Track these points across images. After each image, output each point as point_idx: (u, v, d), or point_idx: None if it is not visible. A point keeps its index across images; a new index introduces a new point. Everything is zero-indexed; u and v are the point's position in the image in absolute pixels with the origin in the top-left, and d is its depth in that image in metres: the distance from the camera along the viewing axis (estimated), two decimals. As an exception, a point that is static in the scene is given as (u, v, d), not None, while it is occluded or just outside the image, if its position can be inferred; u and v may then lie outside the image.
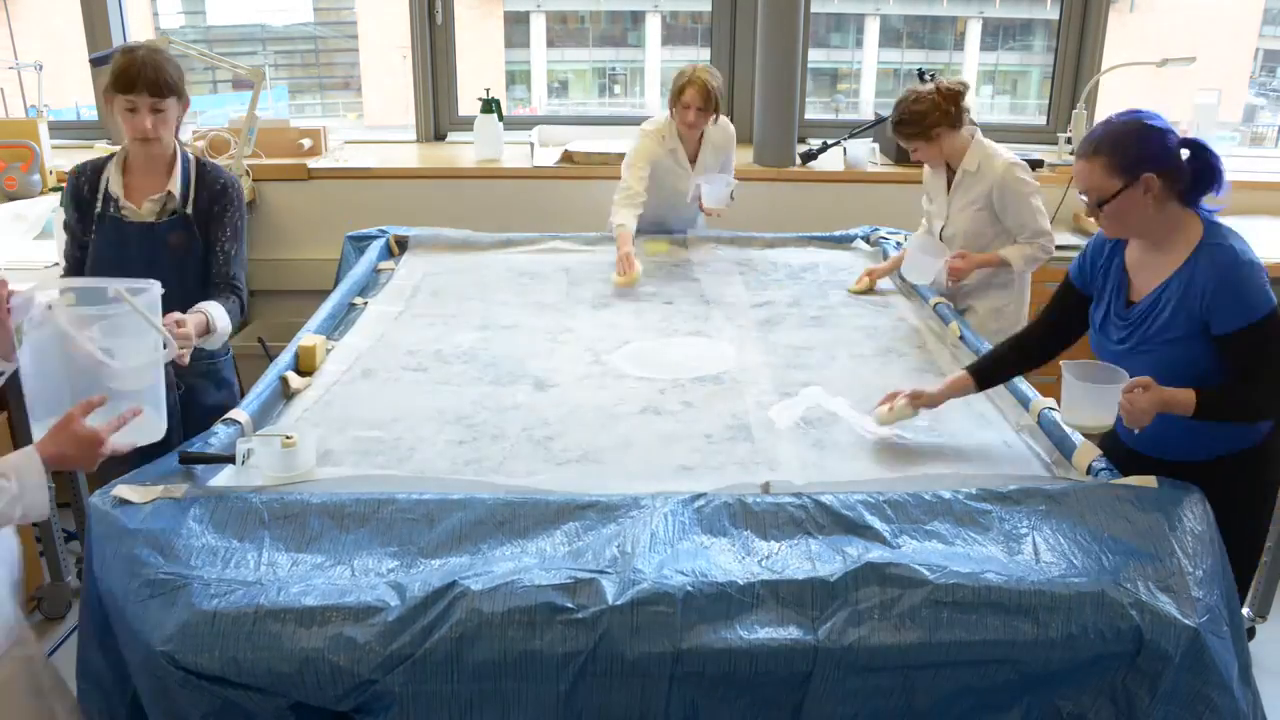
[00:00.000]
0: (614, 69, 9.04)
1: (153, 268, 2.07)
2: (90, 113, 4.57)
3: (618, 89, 9.10)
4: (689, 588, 1.51)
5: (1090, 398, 1.85)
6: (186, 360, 2.04)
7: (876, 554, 1.59)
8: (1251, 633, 2.51)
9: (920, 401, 2.13)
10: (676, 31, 8.62)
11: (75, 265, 2.38)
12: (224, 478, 1.91)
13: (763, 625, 1.50)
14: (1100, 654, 1.51)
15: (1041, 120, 4.63)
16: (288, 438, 1.89)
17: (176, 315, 2.02)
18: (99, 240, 2.32)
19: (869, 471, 1.97)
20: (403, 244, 3.48)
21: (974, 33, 8.82)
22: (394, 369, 2.48)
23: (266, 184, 3.99)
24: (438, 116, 4.56)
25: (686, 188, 3.43)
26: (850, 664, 1.48)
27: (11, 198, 3.46)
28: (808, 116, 4.53)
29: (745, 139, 4.40)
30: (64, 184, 2.74)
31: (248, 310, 2.23)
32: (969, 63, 8.84)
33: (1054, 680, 1.53)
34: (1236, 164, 4.33)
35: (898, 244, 3.43)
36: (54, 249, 2.84)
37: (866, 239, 3.60)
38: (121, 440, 1.65)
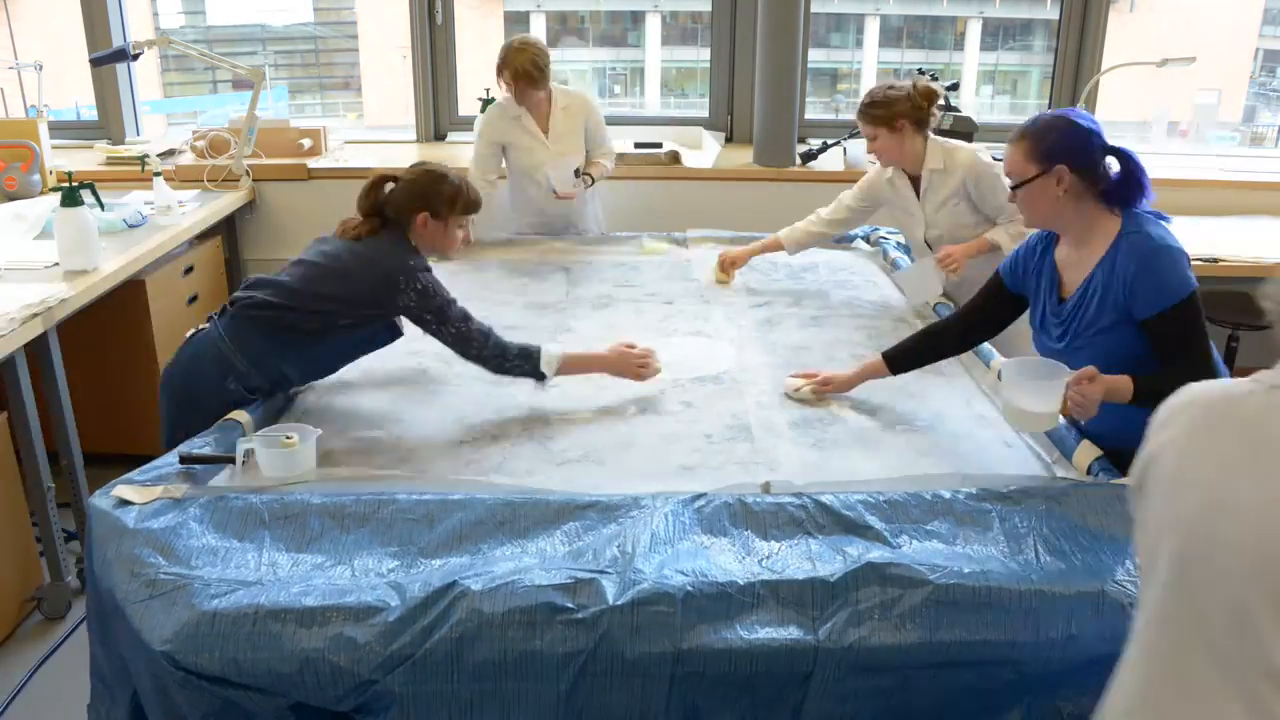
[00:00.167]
0: (614, 69, 9.04)
1: None
2: (90, 113, 4.57)
3: (618, 89, 9.10)
4: (689, 588, 1.51)
5: (1033, 395, 1.85)
6: None
7: (877, 554, 1.59)
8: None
9: (829, 389, 2.26)
10: (676, 31, 8.62)
11: None
12: (224, 478, 1.91)
13: (763, 625, 1.50)
14: (1100, 654, 1.51)
15: (1041, 120, 4.63)
16: (288, 438, 1.89)
17: None
18: None
19: (869, 471, 1.97)
20: (403, 244, 3.48)
21: (974, 33, 8.82)
22: (394, 369, 2.48)
23: (266, 184, 3.99)
24: (438, 116, 4.56)
25: (541, 157, 3.43)
26: (850, 664, 1.48)
27: (11, 198, 3.46)
28: (808, 116, 4.53)
29: (745, 139, 4.41)
30: (64, 184, 2.75)
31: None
32: (969, 63, 8.84)
33: (1054, 681, 1.53)
34: (1237, 164, 4.33)
35: (898, 244, 3.43)
36: (54, 249, 2.84)
37: (866, 239, 3.60)
38: None
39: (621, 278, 3.19)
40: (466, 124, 4.45)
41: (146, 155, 3.79)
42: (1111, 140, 1.94)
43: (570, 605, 1.48)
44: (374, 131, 5.72)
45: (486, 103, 4.14)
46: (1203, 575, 1.04)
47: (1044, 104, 4.67)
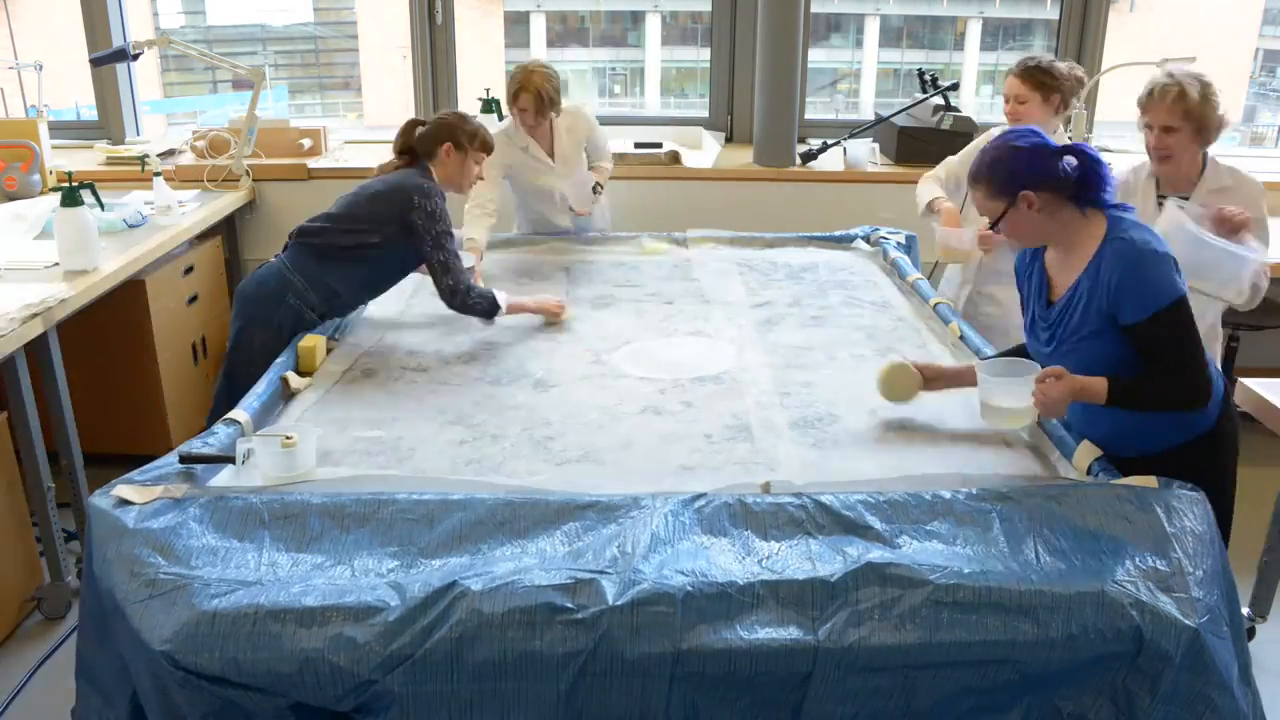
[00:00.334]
0: (614, 69, 9.04)
1: None
2: (90, 113, 4.56)
3: (618, 89, 9.10)
4: (689, 588, 1.51)
5: (1004, 392, 1.92)
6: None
7: (877, 554, 1.59)
8: (1251, 633, 2.51)
9: (930, 379, 2.21)
10: (676, 31, 8.62)
11: None
12: (224, 478, 1.91)
13: (763, 625, 1.50)
14: (1100, 654, 1.51)
15: (1041, 120, 4.63)
16: (288, 438, 1.89)
17: None
18: None
19: (869, 471, 1.97)
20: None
21: (974, 33, 8.82)
22: (394, 369, 2.48)
23: (266, 184, 3.99)
24: (438, 116, 4.56)
25: (553, 183, 3.42)
26: (850, 664, 1.48)
27: (11, 198, 3.46)
28: (808, 116, 4.52)
29: (745, 139, 4.41)
30: (64, 184, 2.75)
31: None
32: (969, 63, 8.84)
33: (1054, 680, 1.53)
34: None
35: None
36: (54, 249, 2.84)
37: (866, 239, 3.60)
38: None
39: (621, 278, 3.19)
40: (466, 124, 4.44)
41: (146, 155, 3.79)
42: (1067, 141, 1.95)
43: (570, 605, 1.48)
44: (374, 131, 5.71)
45: (487, 103, 4.14)
46: None
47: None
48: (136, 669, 1.56)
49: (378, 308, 2.90)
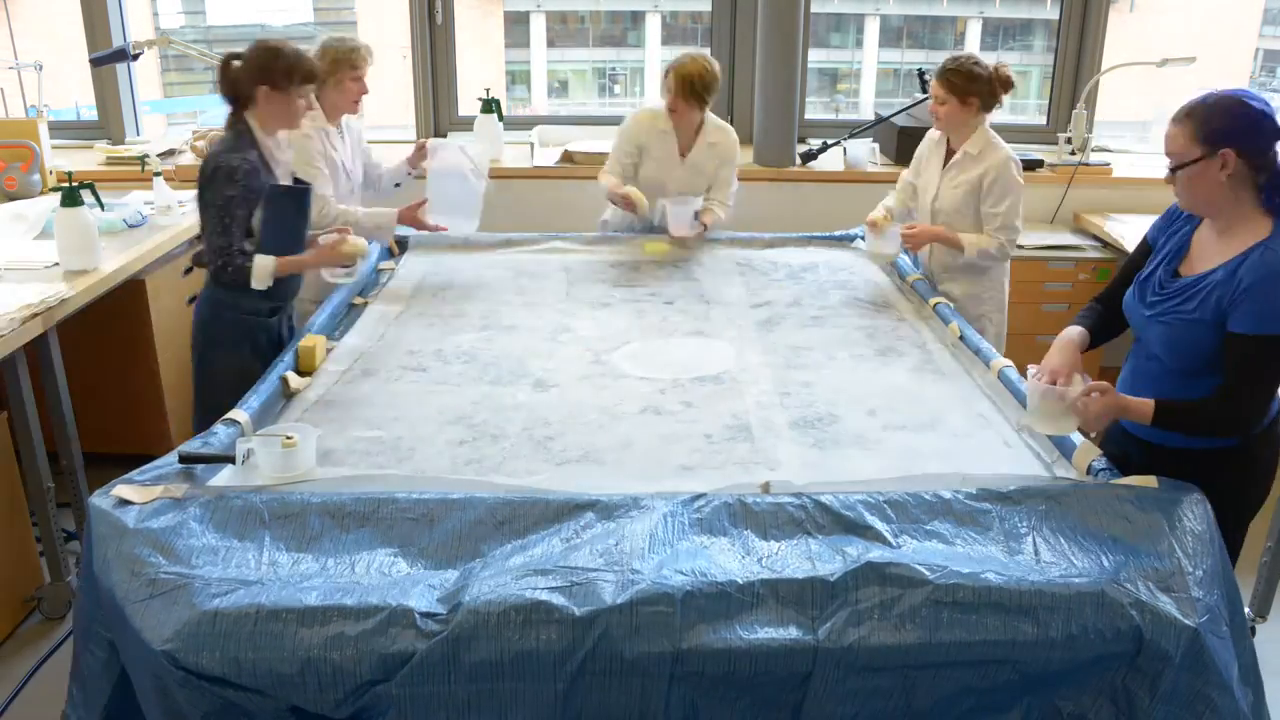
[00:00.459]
0: (614, 69, 9.04)
1: None
2: (90, 113, 4.57)
3: (618, 89, 9.10)
4: (689, 587, 1.51)
5: (1050, 402, 1.88)
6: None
7: (876, 554, 1.59)
8: (1251, 633, 2.51)
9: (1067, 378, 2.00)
10: (676, 31, 8.62)
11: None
12: (224, 478, 1.91)
13: (763, 625, 1.50)
14: (1100, 654, 1.51)
15: (1041, 120, 4.63)
16: (288, 438, 1.89)
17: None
18: None
19: (869, 471, 1.97)
20: (403, 244, 3.48)
21: (974, 33, 8.82)
22: (394, 369, 2.48)
23: (266, 184, 3.99)
24: (438, 116, 4.56)
25: (665, 183, 3.40)
26: (850, 664, 1.48)
27: (11, 198, 3.46)
28: (808, 116, 4.53)
29: (745, 139, 4.40)
30: (64, 184, 2.75)
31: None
32: (969, 63, 8.84)
33: (1054, 680, 1.53)
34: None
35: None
36: (54, 249, 2.84)
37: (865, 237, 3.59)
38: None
39: (621, 278, 3.19)
40: (466, 124, 4.45)
41: (146, 155, 3.79)
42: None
43: (569, 605, 1.48)
44: (374, 131, 5.71)
45: (487, 103, 4.14)
46: None
47: (1044, 104, 4.67)
48: (136, 669, 1.56)
49: (377, 307, 2.90)
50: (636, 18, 8.65)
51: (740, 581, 1.54)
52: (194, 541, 1.63)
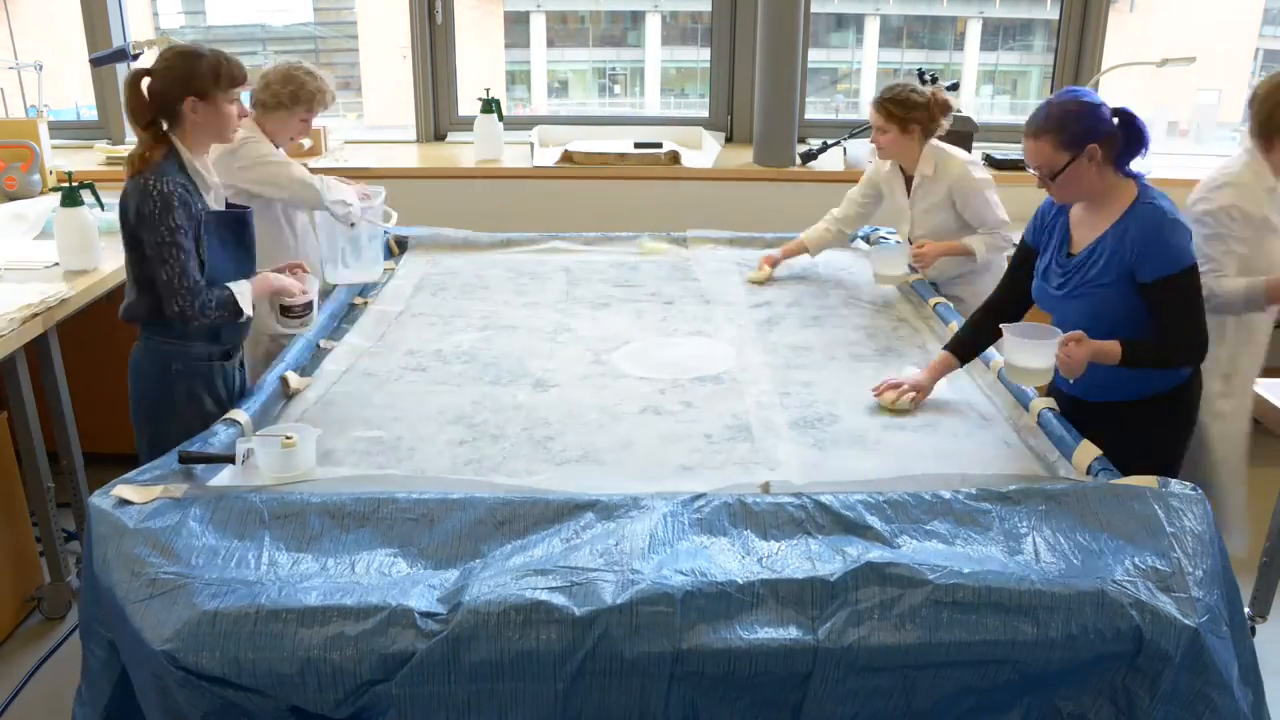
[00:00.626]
0: (614, 69, 9.03)
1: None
2: (90, 113, 4.57)
3: (618, 89, 9.10)
4: (689, 587, 1.51)
5: (1029, 352, 2.05)
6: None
7: (876, 554, 1.59)
8: (1251, 633, 2.51)
9: (922, 397, 2.28)
10: (676, 31, 8.61)
11: None
12: (224, 478, 1.91)
13: (762, 625, 1.50)
14: (1100, 654, 1.51)
15: (1041, 120, 4.63)
16: (288, 438, 1.89)
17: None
18: None
19: (869, 471, 1.97)
20: (403, 244, 3.48)
21: (974, 33, 8.81)
22: (394, 369, 2.48)
23: (266, 184, 3.99)
24: (438, 116, 4.57)
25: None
26: (850, 664, 1.48)
27: (11, 198, 3.46)
28: (808, 116, 4.53)
29: (745, 139, 4.41)
30: (64, 184, 2.75)
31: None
32: (969, 63, 8.83)
33: (1054, 680, 1.53)
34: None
35: (897, 244, 3.43)
36: (54, 249, 2.84)
37: (866, 239, 3.60)
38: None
39: (621, 278, 3.19)
40: (466, 124, 4.46)
41: (146, 155, 3.78)
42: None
43: (569, 605, 1.48)
44: (374, 131, 5.71)
45: (487, 103, 4.14)
46: None
47: (1044, 104, 4.66)
48: (136, 669, 1.56)
49: (377, 307, 2.90)
50: (636, 18, 8.64)
51: (740, 581, 1.54)
52: (194, 541, 1.63)
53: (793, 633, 1.49)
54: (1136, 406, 2.16)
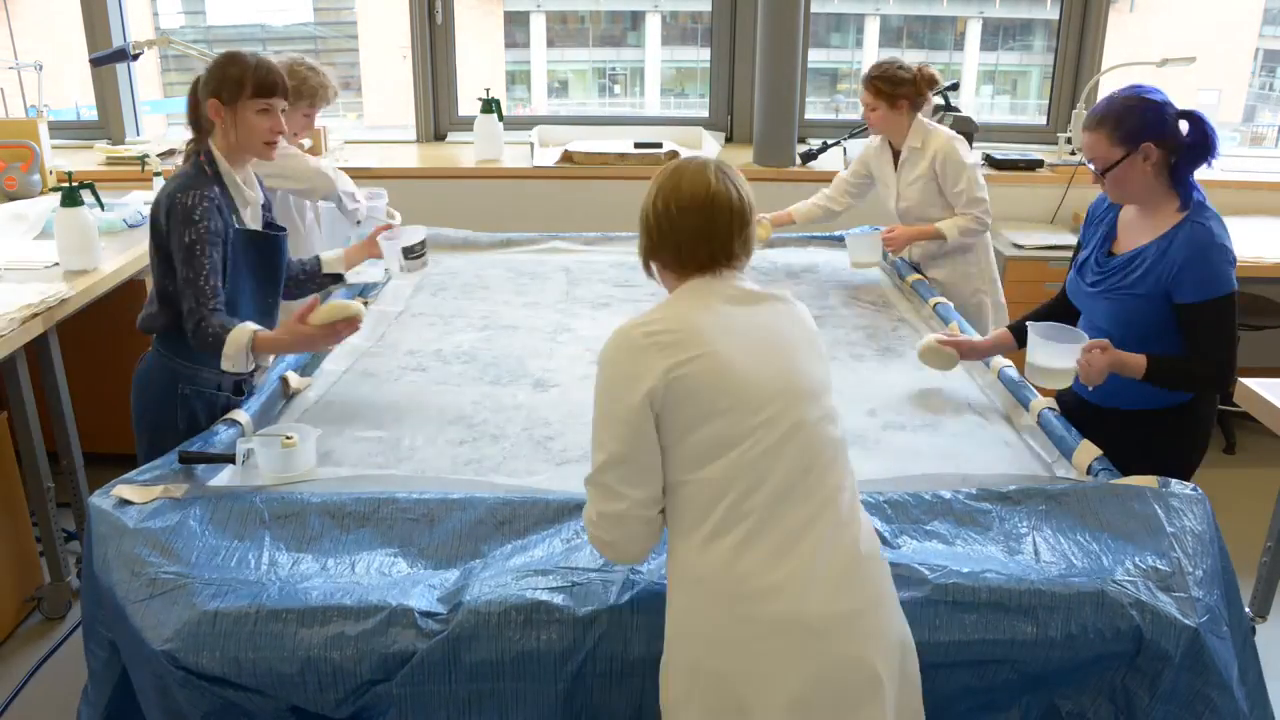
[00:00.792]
0: (614, 69, 9.04)
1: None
2: (90, 113, 4.56)
3: (618, 89, 9.10)
4: (689, 588, 1.51)
5: (1053, 354, 2.03)
6: None
7: (876, 554, 1.59)
8: (1251, 633, 2.51)
9: (964, 349, 2.36)
10: (676, 31, 8.61)
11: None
12: (224, 478, 1.91)
13: (763, 625, 1.49)
14: (1100, 654, 1.51)
15: (1041, 120, 4.63)
16: (288, 438, 1.89)
17: None
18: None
19: (869, 471, 1.96)
20: (403, 244, 3.48)
21: (974, 33, 8.81)
22: (394, 369, 2.48)
23: (266, 184, 3.99)
24: (438, 116, 4.57)
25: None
26: (850, 664, 1.48)
27: (11, 198, 3.46)
28: (808, 116, 4.53)
29: (745, 139, 4.41)
30: (63, 184, 2.75)
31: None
32: (969, 63, 8.83)
33: (1054, 680, 1.53)
34: (1237, 164, 4.33)
35: (872, 229, 3.44)
36: (54, 249, 2.84)
37: (866, 239, 3.59)
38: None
39: (621, 278, 3.19)
40: (466, 124, 4.45)
41: (146, 155, 3.79)
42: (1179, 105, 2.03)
43: (569, 605, 1.48)
44: (374, 131, 5.72)
45: (487, 103, 4.14)
46: None
47: (1044, 104, 4.66)
48: (136, 669, 1.56)
49: (377, 307, 2.91)
50: (636, 18, 8.64)
51: (740, 581, 1.53)
52: (194, 541, 1.63)
53: (793, 633, 1.49)
54: (1149, 416, 2.11)
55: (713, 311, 1.44)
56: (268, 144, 2.13)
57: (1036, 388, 2.20)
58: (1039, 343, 2.05)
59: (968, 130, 3.86)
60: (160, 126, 5.39)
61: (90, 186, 3.06)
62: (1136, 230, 2.08)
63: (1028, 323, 2.11)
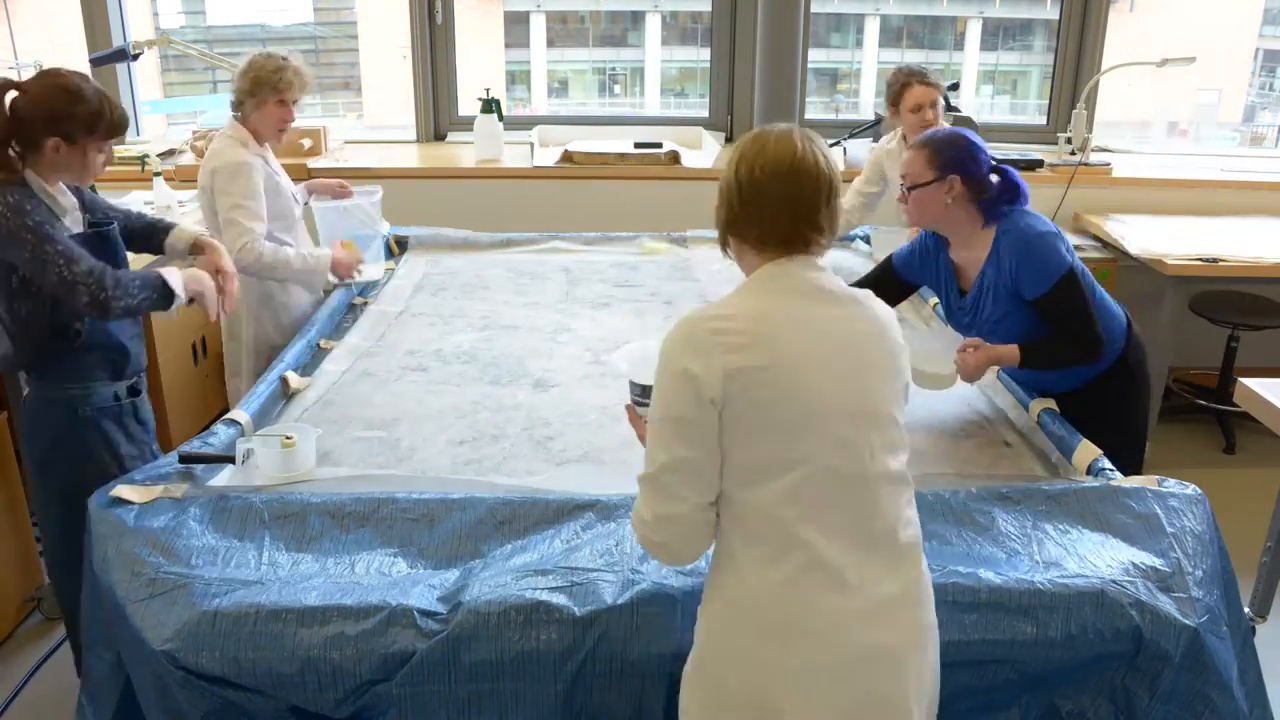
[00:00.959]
0: (614, 69, 9.03)
1: None
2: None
3: (618, 89, 9.09)
4: (689, 588, 1.51)
5: (931, 359, 2.13)
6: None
7: (876, 554, 1.59)
8: (1251, 633, 2.51)
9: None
10: (676, 31, 8.61)
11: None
12: (224, 478, 1.91)
13: (762, 625, 1.49)
14: (1100, 654, 1.51)
15: (1041, 120, 4.64)
16: (287, 438, 1.89)
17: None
18: None
19: (869, 471, 1.96)
20: (403, 244, 3.48)
21: (974, 33, 8.81)
22: (394, 369, 2.48)
23: (266, 184, 3.99)
24: (438, 116, 4.57)
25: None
26: (850, 664, 1.48)
27: (11, 198, 3.46)
28: (808, 116, 4.53)
29: (745, 139, 4.40)
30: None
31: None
32: (969, 63, 8.83)
33: (1053, 680, 1.53)
34: (1236, 164, 4.33)
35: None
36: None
37: (866, 239, 3.59)
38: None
39: (621, 278, 3.19)
40: (466, 124, 4.45)
41: (146, 155, 3.79)
42: (1004, 158, 2.23)
43: (569, 605, 1.48)
44: (374, 131, 5.72)
45: (487, 103, 4.14)
46: None
47: (1044, 104, 4.67)
48: (136, 669, 1.56)
49: (377, 307, 2.91)
50: (636, 18, 8.64)
51: (740, 581, 1.53)
52: (194, 541, 1.63)
53: (793, 633, 1.49)
54: (1083, 393, 2.22)
55: (789, 308, 1.34)
56: (94, 176, 2.06)
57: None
58: (918, 349, 2.10)
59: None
60: (160, 126, 5.40)
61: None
62: (968, 261, 2.20)
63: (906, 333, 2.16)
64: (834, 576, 1.29)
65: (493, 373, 2.46)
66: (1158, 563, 1.58)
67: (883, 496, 1.33)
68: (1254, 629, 2.57)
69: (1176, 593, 1.54)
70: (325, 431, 2.09)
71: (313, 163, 4.02)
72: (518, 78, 8.70)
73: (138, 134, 4.51)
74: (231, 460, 1.90)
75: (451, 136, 4.59)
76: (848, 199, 3.34)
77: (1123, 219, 3.90)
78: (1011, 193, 2.12)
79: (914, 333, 2.17)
